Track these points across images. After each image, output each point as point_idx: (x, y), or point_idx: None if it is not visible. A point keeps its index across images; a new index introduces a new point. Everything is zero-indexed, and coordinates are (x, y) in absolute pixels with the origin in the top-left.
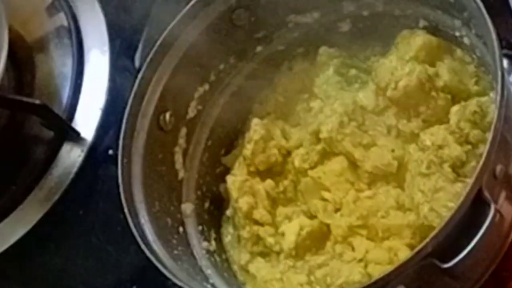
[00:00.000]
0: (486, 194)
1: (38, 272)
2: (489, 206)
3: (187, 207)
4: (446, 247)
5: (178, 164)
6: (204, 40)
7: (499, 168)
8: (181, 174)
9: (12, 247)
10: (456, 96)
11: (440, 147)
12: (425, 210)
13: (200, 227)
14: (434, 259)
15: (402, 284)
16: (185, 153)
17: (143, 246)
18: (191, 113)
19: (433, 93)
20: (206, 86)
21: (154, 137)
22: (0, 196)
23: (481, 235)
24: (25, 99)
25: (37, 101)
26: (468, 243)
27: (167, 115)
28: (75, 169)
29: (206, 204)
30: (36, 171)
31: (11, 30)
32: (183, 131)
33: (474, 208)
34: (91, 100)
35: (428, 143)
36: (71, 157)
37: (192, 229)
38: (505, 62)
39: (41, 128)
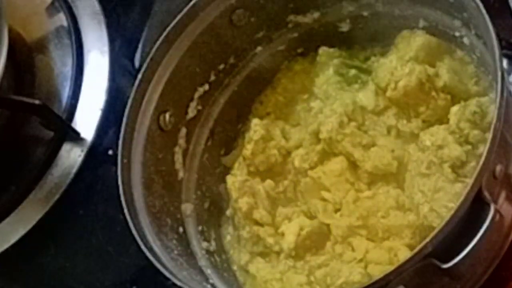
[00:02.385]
0: (486, 194)
1: (38, 272)
2: (489, 206)
3: (187, 207)
4: (446, 247)
5: (178, 164)
6: (204, 40)
7: (499, 168)
8: (181, 174)
9: (12, 247)
10: (456, 96)
11: (440, 147)
12: (425, 210)
13: (200, 227)
14: (434, 259)
15: (402, 284)
16: (185, 153)
17: (142, 247)
18: (191, 113)
19: (433, 93)
20: (206, 86)
21: (154, 137)
22: (0, 196)
23: (481, 235)
24: (25, 99)
25: (37, 101)
26: (468, 243)
27: (167, 115)
28: (75, 169)
29: (206, 204)
30: (36, 171)
31: (11, 30)
32: (183, 131)
33: (474, 208)
34: (91, 100)
35: (428, 143)
36: (71, 157)
37: (192, 229)
38: (505, 62)
39: (41, 128)
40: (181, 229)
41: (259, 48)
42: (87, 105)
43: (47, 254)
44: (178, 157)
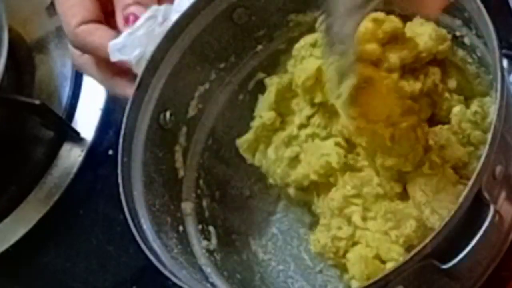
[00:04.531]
0: (486, 195)
1: (38, 272)
2: (488, 206)
3: (187, 206)
4: (446, 247)
5: (178, 163)
6: (204, 39)
7: (498, 169)
8: (181, 173)
9: (12, 247)
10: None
11: (443, 147)
12: (427, 212)
13: (200, 226)
14: (433, 259)
15: (401, 284)
16: (185, 152)
17: (142, 246)
18: (192, 111)
19: (447, 95)
20: (207, 85)
21: (154, 136)
22: (0, 196)
23: (480, 236)
24: (25, 99)
25: (37, 101)
26: (468, 244)
27: (167, 114)
28: (75, 169)
29: (206, 203)
30: (36, 171)
31: (11, 30)
32: (183, 129)
33: (474, 208)
34: (91, 100)
35: (431, 142)
36: (71, 157)
37: (191, 228)
38: (505, 62)
39: (41, 128)
40: (181, 228)
41: (259, 47)
42: (87, 105)
43: (47, 254)
44: (179, 156)
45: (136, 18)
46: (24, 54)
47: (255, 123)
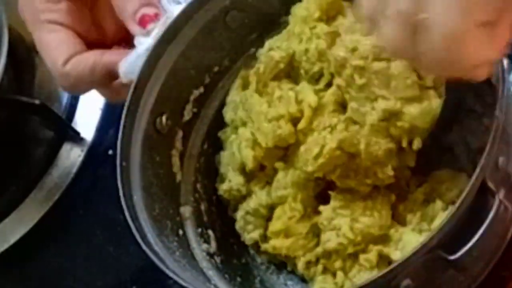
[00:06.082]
0: (490, 185)
1: (38, 272)
2: (493, 196)
3: (186, 210)
4: (452, 239)
5: (176, 167)
6: (198, 42)
7: (501, 159)
8: (178, 177)
9: (12, 247)
10: None
11: None
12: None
13: (199, 229)
14: (440, 250)
15: (408, 277)
16: (182, 156)
17: (146, 249)
18: (187, 116)
19: None
20: (201, 89)
21: (151, 140)
22: (0, 196)
23: (486, 226)
24: (25, 99)
25: (37, 101)
26: (473, 235)
27: (163, 118)
28: (75, 169)
29: (204, 207)
30: (36, 171)
31: (11, 30)
32: (179, 134)
33: (478, 199)
34: (91, 100)
35: None
36: (71, 157)
37: (191, 231)
38: (505, 62)
39: (41, 128)
40: (181, 232)
41: (252, 50)
42: (87, 105)
43: (47, 254)
44: (176, 160)
45: (151, 17)
46: (24, 54)
47: (223, 186)
